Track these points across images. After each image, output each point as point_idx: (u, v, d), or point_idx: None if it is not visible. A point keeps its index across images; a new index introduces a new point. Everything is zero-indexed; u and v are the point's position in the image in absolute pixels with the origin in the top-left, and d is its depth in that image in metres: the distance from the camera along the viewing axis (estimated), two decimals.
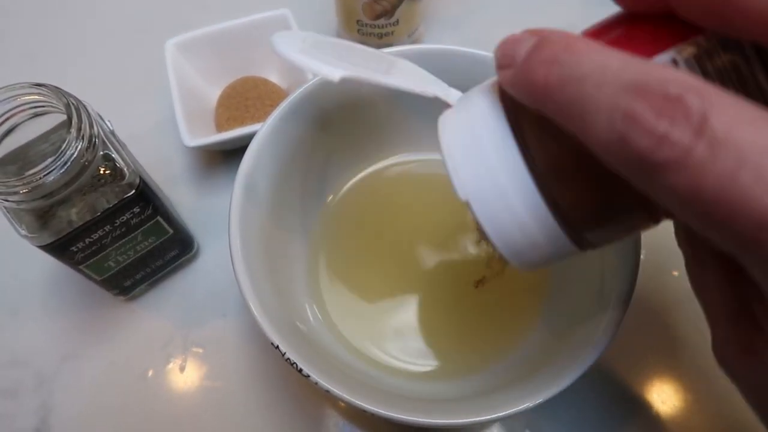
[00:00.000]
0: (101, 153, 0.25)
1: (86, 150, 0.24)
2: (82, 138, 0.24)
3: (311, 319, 0.30)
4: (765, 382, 0.17)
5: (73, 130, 0.24)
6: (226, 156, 0.38)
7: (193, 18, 0.44)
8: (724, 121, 0.12)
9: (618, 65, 0.13)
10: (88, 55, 0.44)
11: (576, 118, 0.13)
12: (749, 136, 0.11)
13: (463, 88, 0.30)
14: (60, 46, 0.44)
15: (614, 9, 0.18)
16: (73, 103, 0.24)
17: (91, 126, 0.25)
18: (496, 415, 0.22)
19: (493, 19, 0.45)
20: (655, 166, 0.12)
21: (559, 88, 0.14)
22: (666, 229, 0.36)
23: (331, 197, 0.34)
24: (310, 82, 0.29)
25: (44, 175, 0.23)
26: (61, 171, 0.23)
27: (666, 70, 0.13)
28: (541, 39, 0.15)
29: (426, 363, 0.29)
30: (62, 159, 0.23)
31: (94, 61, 0.43)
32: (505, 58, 0.16)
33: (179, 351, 0.33)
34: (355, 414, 0.31)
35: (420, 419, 0.22)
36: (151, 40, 0.40)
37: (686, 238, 0.21)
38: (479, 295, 0.30)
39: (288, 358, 0.23)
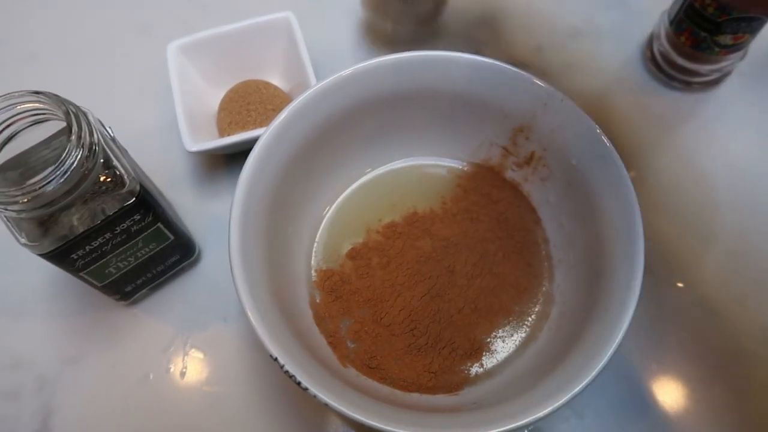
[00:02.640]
0: (101, 161, 0.25)
1: (86, 158, 0.24)
2: (82, 146, 0.24)
3: (313, 327, 0.30)
4: None
5: (73, 139, 0.23)
6: (229, 160, 0.38)
7: (196, 21, 0.44)
8: None
9: None
10: (91, 58, 0.43)
11: None
12: None
13: (461, 91, 0.30)
14: (62, 49, 0.44)
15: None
16: (72, 111, 0.24)
17: (91, 134, 0.24)
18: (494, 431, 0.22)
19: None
20: None
21: None
22: (670, 242, 0.36)
23: (332, 201, 0.33)
24: (312, 88, 0.29)
25: (44, 185, 0.23)
26: (61, 180, 0.23)
27: None
28: None
29: (428, 373, 0.29)
30: (62, 168, 0.23)
31: (97, 64, 0.43)
32: None
33: (180, 355, 0.33)
34: (357, 423, 0.31)
35: None
36: (154, 43, 0.40)
37: None
38: (483, 311, 0.30)
39: (287, 371, 0.23)
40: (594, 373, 0.23)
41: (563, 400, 0.22)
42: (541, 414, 0.22)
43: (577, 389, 0.22)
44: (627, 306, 0.24)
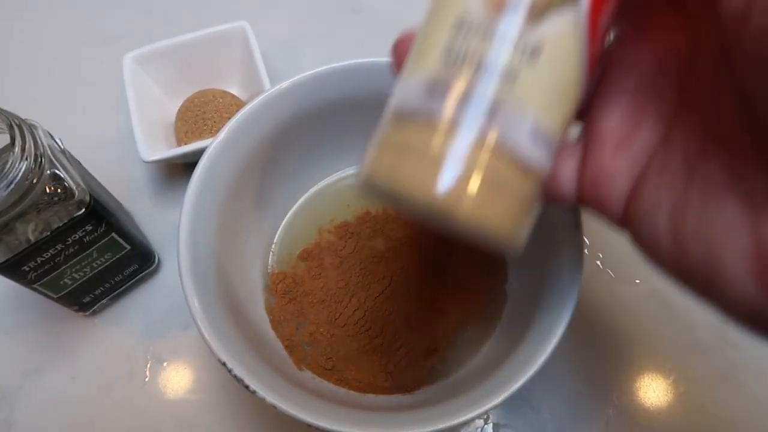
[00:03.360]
0: (48, 172, 0.25)
1: (32, 170, 0.24)
2: (26, 158, 0.24)
3: (270, 332, 0.30)
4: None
5: (17, 150, 0.24)
6: (188, 168, 0.38)
7: (152, 31, 0.44)
8: None
9: None
10: (50, 70, 0.44)
11: None
12: None
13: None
14: (21, 61, 0.44)
15: None
16: (16, 123, 0.24)
17: (36, 146, 0.25)
18: (448, 424, 0.22)
19: None
20: None
21: None
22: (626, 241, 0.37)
23: (288, 209, 0.34)
24: (264, 94, 0.29)
25: None
26: (6, 192, 0.23)
27: None
28: None
29: (384, 374, 0.29)
30: (6, 180, 0.23)
31: (56, 75, 0.43)
32: None
33: (142, 364, 0.33)
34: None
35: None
36: (113, 54, 0.40)
37: None
38: (439, 312, 0.31)
39: (235, 375, 0.23)
40: (535, 368, 0.23)
41: (506, 394, 0.23)
42: (485, 407, 0.23)
43: (519, 383, 0.23)
44: (569, 298, 0.24)
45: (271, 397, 0.22)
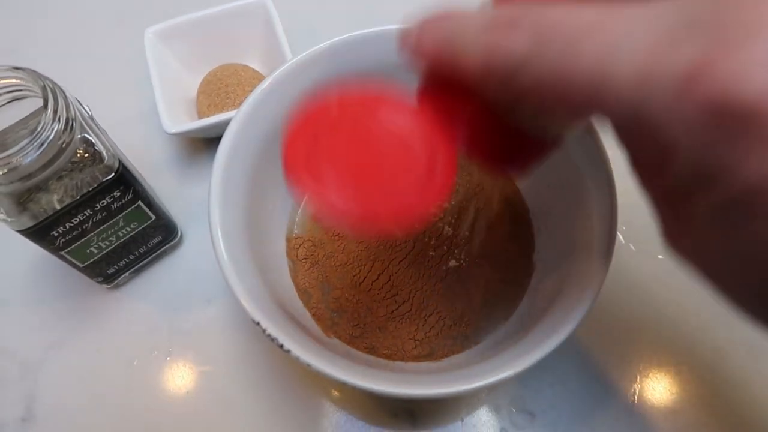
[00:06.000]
0: (79, 136, 0.25)
1: (63, 132, 0.24)
2: (59, 120, 0.24)
3: (297, 301, 0.30)
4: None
5: (49, 112, 0.24)
6: (209, 144, 0.38)
7: (174, 6, 0.44)
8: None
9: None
10: (69, 50, 0.44)
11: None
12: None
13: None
14: (40, 35, 0.44)
15: None
16: (49, 86, 0.24)
17: (67, 108, 0.25)
18: (477, 384, 0.22)
19: None
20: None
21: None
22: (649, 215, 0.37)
23: None
24: (286, 65, 0.29)
25: (20, 157, 0.23)
26: (37, 153, 0.23)
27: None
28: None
29: (413, 341, 0.29)
30: (38, 140, 0.23)
31: (75, 55, 0.43)
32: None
33: (165, 338, 0.33)
34: (350, 398, 0.31)
35: (403, 391, 0.22)
36: (132, 28, 0.40)
37: None
38: (467, 280, 0.31)
39: (269, 334, 0.23)
40: (564, 335, 0.23)
41: (535, 358, 0.23)
42: (516, 370, 0.22)
43: (549, 348, 0.22)
44: (599, 270, 0.24)
45: (305, 356, 0.22)
